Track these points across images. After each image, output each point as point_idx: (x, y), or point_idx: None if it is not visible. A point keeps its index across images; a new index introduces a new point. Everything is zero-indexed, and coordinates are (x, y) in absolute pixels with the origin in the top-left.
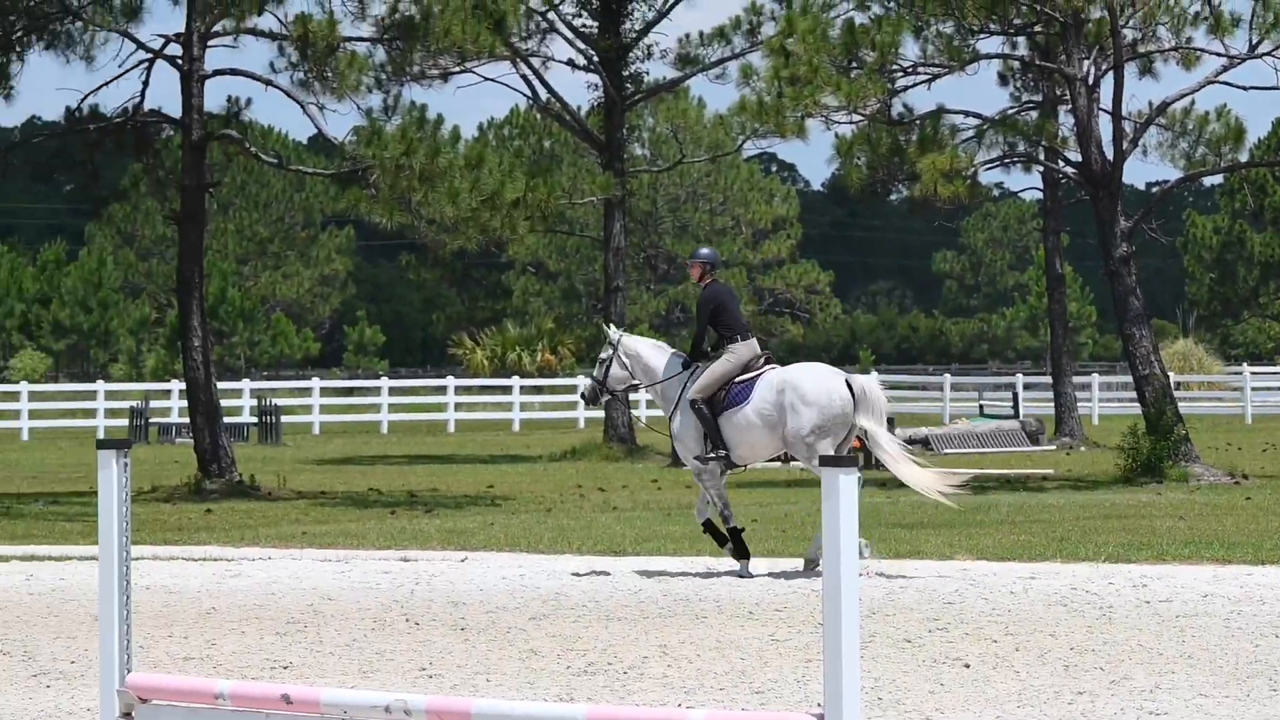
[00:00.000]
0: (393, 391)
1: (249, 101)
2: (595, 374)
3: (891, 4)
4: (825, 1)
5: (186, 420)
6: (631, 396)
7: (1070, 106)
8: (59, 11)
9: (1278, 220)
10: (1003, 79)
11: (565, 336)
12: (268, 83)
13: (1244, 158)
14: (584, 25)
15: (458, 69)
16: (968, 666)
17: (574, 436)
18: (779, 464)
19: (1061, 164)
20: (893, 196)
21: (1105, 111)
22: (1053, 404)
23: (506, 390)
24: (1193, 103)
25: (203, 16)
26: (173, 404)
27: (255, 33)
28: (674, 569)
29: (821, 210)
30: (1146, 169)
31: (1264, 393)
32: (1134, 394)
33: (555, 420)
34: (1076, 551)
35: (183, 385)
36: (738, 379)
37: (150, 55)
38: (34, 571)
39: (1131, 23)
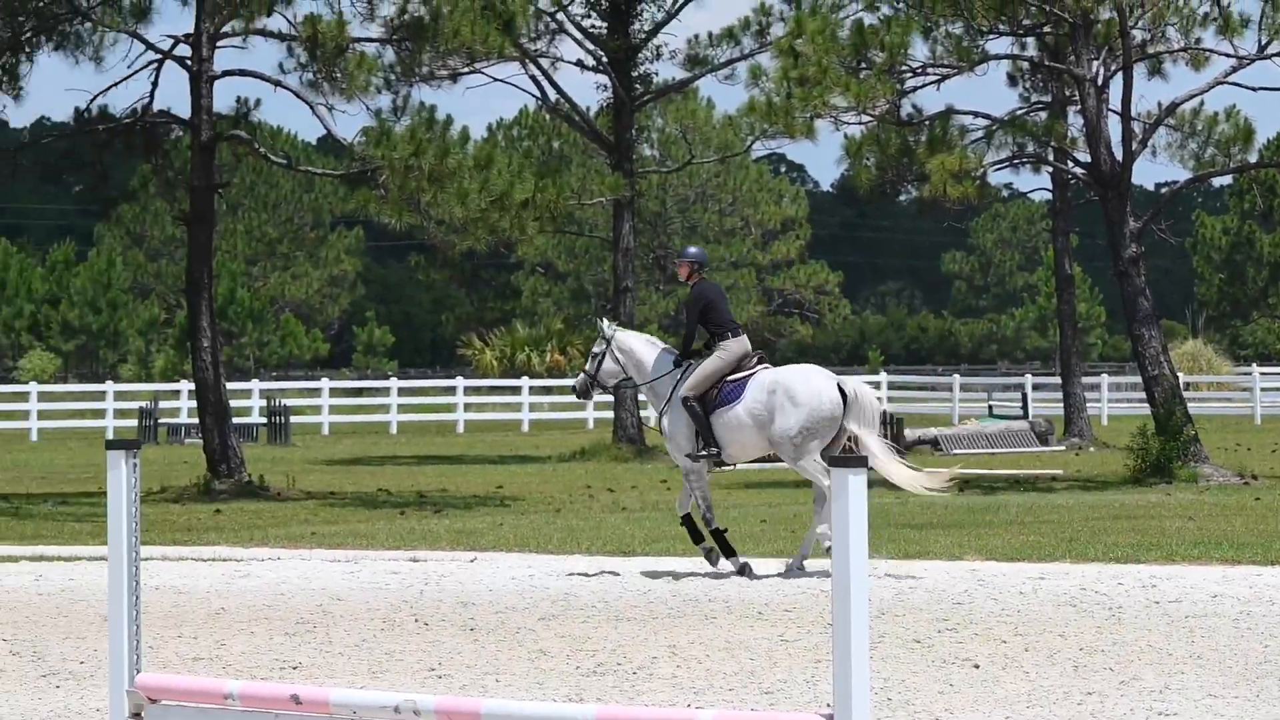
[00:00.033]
0: (402, 392)
1: (258, 102)
2: (587, 368)
3: (900, 5)
4: (834, 2)
5: (196, 421)
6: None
7: (1079, 107)
8: (68, 12)
9: None
10: (1012, 80)
11: (574, 337)
12: (277, 83)
13: (1253, 158)
14: (593, 26)
15: (467, 70)
16: (977, 667)
17: (583, 437)
18: (775, 464)
19: (1070, 165)
20: (902, 197)
21: (1114, 112)
22: (1062, 404)
23: (516, 391)
24: (1202, 103)
25: (212, 17)
26: (182, 404)
27: (264, 33)
28: (683, 569)
29: (830, 211)
30: (1155, 169)
31: (1273, 393)
32: (1143, 394)
33: (564, 421)
34: (1086, 552)
35: (192, 386)
36: (730, 378)
37: (159, 56)
38: (43, 572)
39: (1141, 23)
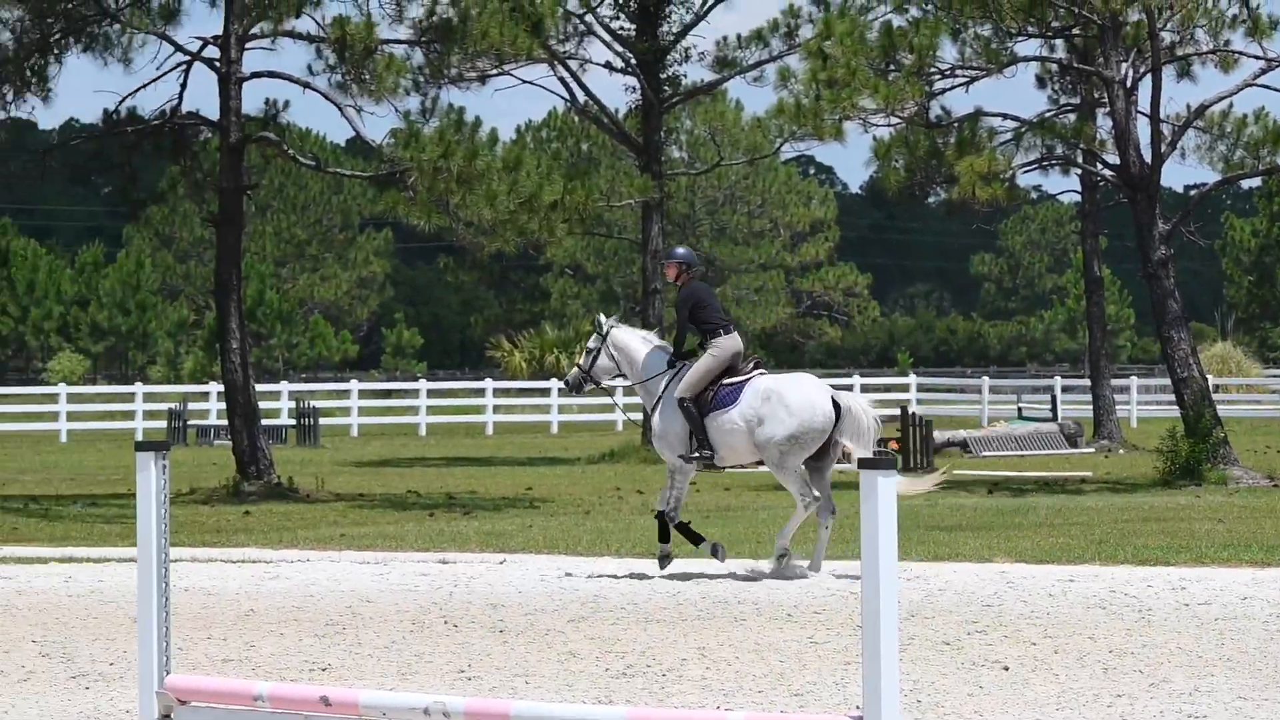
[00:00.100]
0: (431, 394)
1: (287, 104)
2: (581, 362)
3: (929, 6)
4: (863, 4)
5: (225, 422)
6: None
7: (1108, 109)
8: (97, 14)
9: None
10: (1040, 82)
11: None
12: (305, 85)
13: None
14: (621, 28)
15: (495, 71)
16: (1006, 669)
17: (612, 439)
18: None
19: (1099, 167)
20: (930, 199)
21: (1143, 114)
22: (1091, 406)
23: (544, 393)
24: (1231, 105)
25: (240, 19)
26: (211, 406)
27: (293, 35)
28: (712, 571)
29: (859, 213)
30: (1184, 172)
31: None
32: (1172, 397)
33: (593, 423)
34: (1115, 554)
35: (221, 387)
36: (726, 382)
37: (188, 58)
38: (73, 573)
39: (1170, 25)
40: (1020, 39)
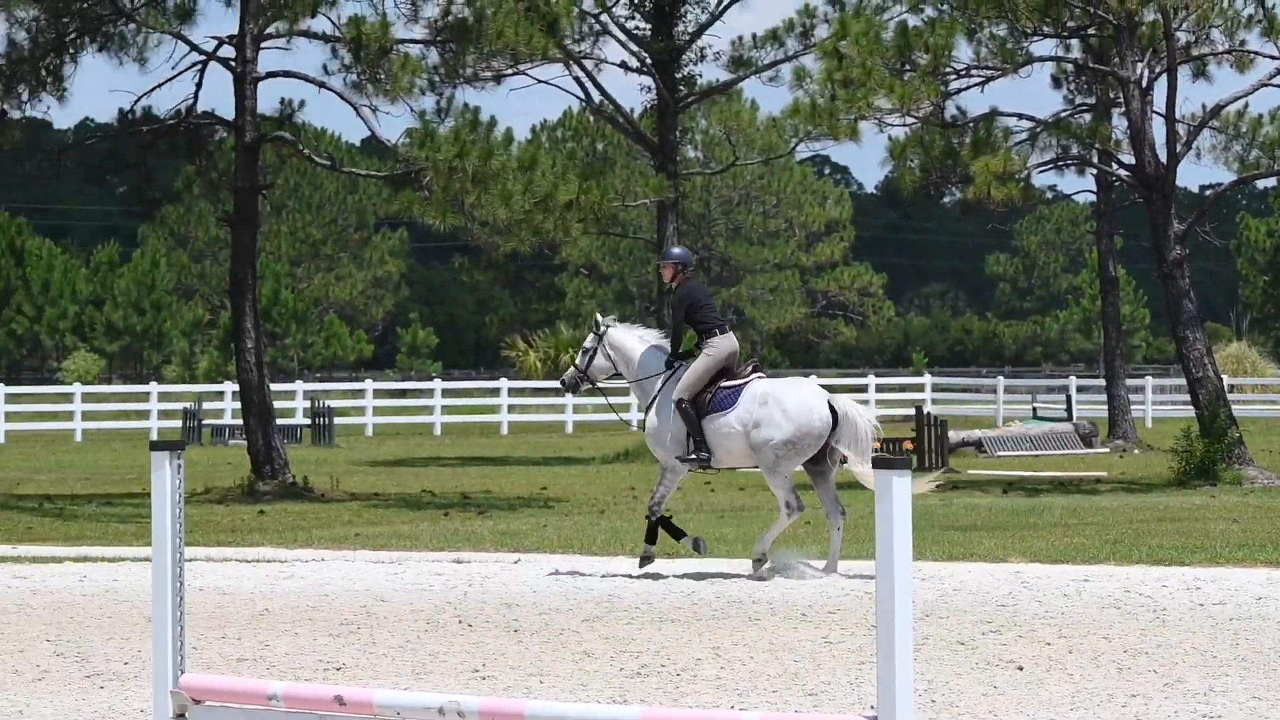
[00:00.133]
0: (446, 393)
1: (302, 104)
2: (577, 362)
3: (944, 6)
4: (878, 4)
5: (240, 422)
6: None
7: (1123, 109)
8: (112, 14)
9: None
10: (1056, 82)
11: None
12: (321, 85)
13: None
14: (637, 27)
15: (510, 71)
16: (1021, 669)
17: (627, 439)
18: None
19: (1115, 167)
20: (946, 199)
21: (1158, 114)
22: (1106, 406)
23: (560, 392)
24: (1246, 105)
25: (256, 19)
26: (226, 405)
27: (308, 35)
28: (727, 571)
29: (874, 213)
30: (1200, 172)
31: None
32: (1188, 397)
33: (608, 422)
34: (1130, 554)
35: (236, 387)
36: (724, 384)
37: (203, 57)
38: (87, 573)
39: (1185, 25)
40: (1036, 39)
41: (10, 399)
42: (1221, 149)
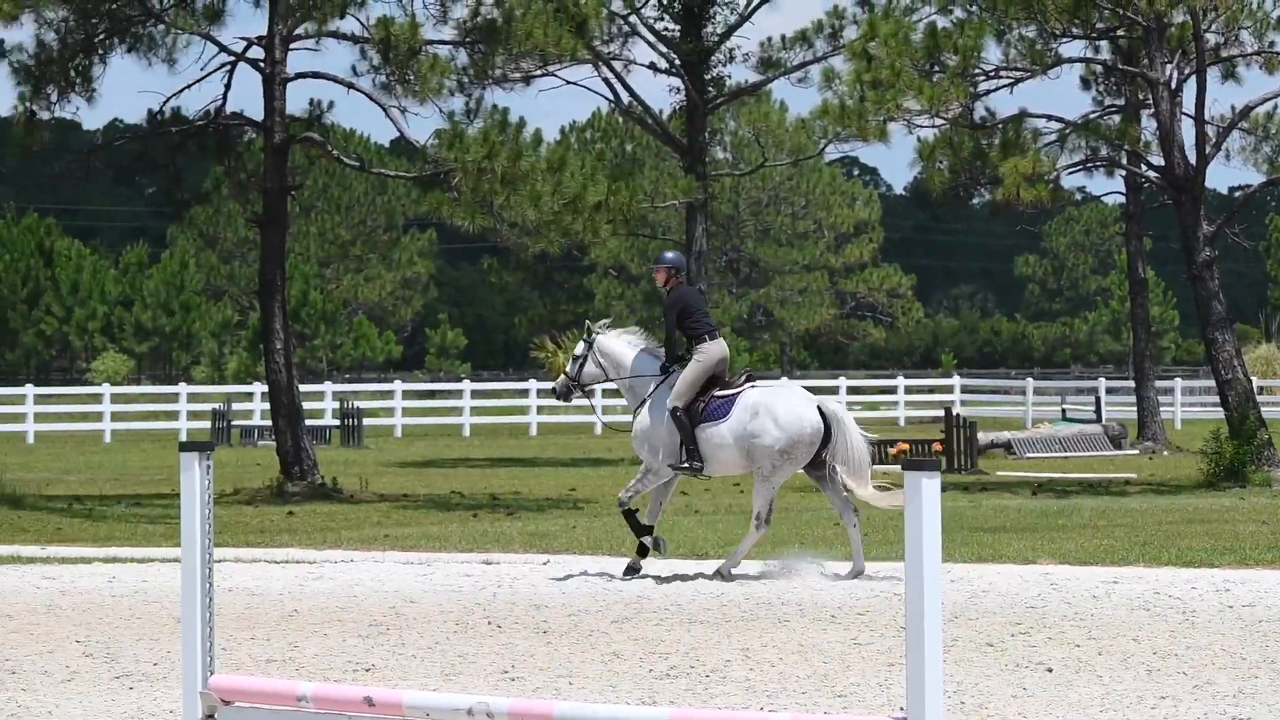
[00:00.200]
0: (475, 394)
1: (331, 104)
2: (568, 370)
3: (974, 8)
4: (908, 5)
5: (268, 423)
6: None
7: (1153, 111)
8: (141, 14)
9: None
10: (1085, 83)
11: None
12: (350, 86)
13: None
14: (665, 29)
15: (539, 72)
16: (1050, 671)
17: None
18: None
19: (1144, 168)
20: (975, 200)
21: (1188, 115)
22: (1135, 408)
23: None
24: (1276, 106)
25: (285, 19)
26: (255, 406)
27: (337, 36)
28: (755, 572)
29: (903, 214)
30: (1229, 173)
31: None
32: (1217, 398)
33: None
34: (1159, 556)
35: (265, 388)
36: (718, 393)
37: (232, 58)
38: (116, 573)
39: (1214, 27)
40: (1065, 40)
41: (40, 400)
42: (1251, 150)
